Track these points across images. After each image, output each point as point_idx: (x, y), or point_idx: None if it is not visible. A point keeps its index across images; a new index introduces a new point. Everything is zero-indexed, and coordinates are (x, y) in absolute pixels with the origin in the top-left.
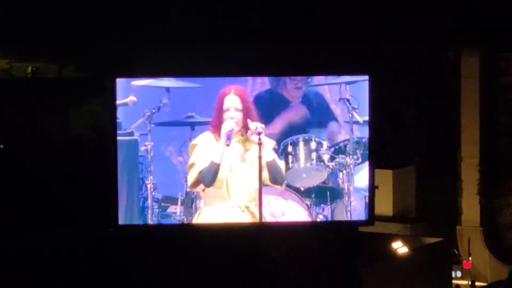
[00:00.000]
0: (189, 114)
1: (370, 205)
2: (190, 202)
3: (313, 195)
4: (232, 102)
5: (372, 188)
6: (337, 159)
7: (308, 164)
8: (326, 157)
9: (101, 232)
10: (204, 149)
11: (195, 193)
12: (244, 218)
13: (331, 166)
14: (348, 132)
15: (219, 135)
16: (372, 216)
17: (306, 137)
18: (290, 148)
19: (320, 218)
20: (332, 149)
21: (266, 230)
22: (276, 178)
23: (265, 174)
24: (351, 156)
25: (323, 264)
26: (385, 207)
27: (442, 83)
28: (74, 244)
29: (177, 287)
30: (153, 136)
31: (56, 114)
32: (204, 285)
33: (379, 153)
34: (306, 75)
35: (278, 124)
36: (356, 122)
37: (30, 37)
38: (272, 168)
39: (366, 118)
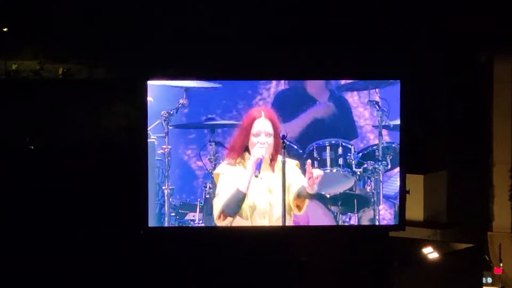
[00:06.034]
0: (210, 116)
1: (401, 210)
2: (210, 209)
3: (339, 203)
4: (264, 126)
5: (403, 192)
6: (365, 165)
7: (335, 170)
8: (353, 163)
9: (130, 234)
10: (229, 179)
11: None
12: None
13: (358, 172)
14: (377, 137)
15: (242, 158)
16: (403, 221)
17: (333, 142)
18: (315, 153)
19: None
20: (360, 154)
21: (298, 234)
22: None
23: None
24: (380, 162)
25: (354, 268)
26: (416, 212)
27: (474, 87)
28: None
29: None
30: (170, 139)
31: (86, 115)
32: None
33: (410, 158)
34: (338, 79)
35: (303, 127)
36: (386, 127)
37: (61, 39)
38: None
39: (396, 122)
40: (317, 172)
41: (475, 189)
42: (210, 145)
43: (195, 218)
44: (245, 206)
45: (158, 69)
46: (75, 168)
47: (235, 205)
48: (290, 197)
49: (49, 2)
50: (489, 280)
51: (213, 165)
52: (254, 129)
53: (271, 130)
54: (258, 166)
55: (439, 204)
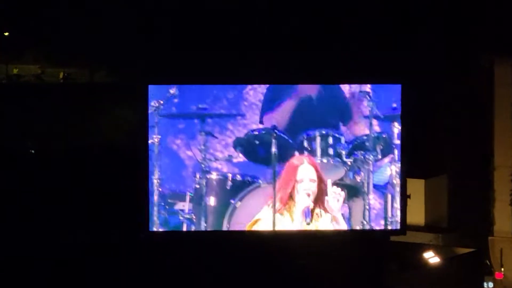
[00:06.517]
0: (200, 106)
1: (402, 215)
2: (199, 199)
3: None
4: (307, 172)
5: (404, 197)
6: (356, 155)
7: (325, 160)
8: (343, 153)
9: (132, 238)
10: (269, 225)
11: (205, 190)
12: None
13: (349, 163)
14: (367, 127)
15: (284, 204)
16: (404, 226)
17: (324, 132)
18: (306, 143)
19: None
20: (351, 144)
21: (298, 238)
22: None
23: None
24: (370, 152)
25: (354, 272)
26: (417, 216)
27: (475, 91)
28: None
29: None
30: (160, 129)
31: (87, 119)
32: None
33: (411, 162)
34: (340, 83)
35: (293, 117)
36: (377, 117)
37: (62, 42)
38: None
39: (387, 113)
40: (338, 190)
41: (476, 194)
42: (201, 135)
43: (184, 208)
44: None
45: (158, 73)
46: (75, 170)
47: None
48: None
49: (49, 7)
50: (490, 284)
51: (203, 155)
52: (298, 176)
53: (314, 176)
54: (307, 214)
55: (440, 209)
